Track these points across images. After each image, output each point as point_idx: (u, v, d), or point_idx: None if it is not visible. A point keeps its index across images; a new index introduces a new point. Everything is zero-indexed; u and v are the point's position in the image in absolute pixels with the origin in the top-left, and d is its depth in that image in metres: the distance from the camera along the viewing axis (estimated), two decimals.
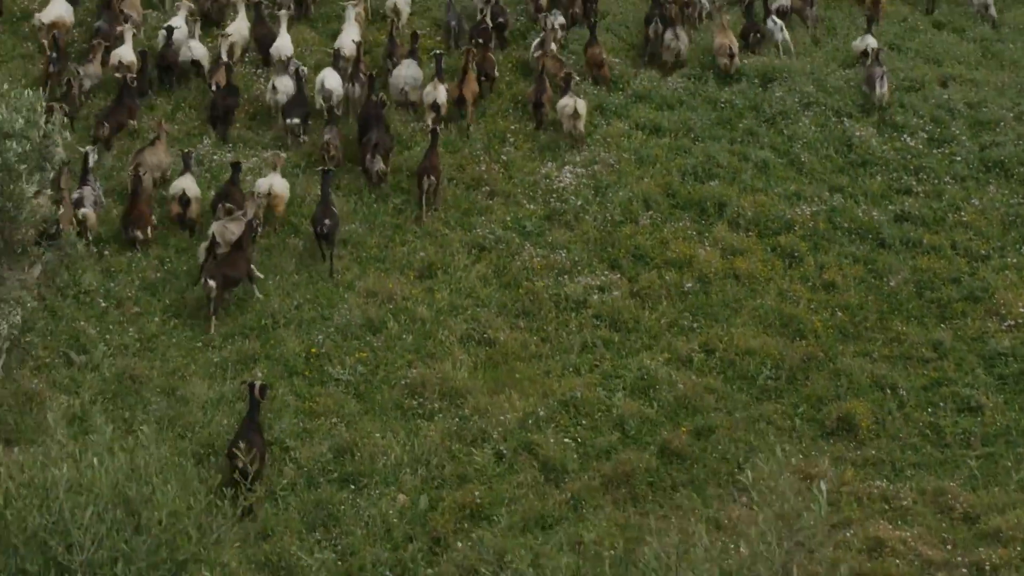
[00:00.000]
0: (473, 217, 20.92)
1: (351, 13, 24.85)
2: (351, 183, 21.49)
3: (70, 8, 24.83)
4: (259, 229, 19.87)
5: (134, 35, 24.11)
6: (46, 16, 24.24)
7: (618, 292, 19.37)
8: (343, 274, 19.42)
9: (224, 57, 23.59)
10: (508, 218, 20.85)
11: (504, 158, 22.23)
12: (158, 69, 24.05)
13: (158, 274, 19.12)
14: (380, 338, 18.17)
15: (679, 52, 25.34)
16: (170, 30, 24.18)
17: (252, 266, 18.97)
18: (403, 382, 17.43)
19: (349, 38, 24.26)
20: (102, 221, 19.89)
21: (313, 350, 17.80)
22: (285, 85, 22.98)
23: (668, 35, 25.46)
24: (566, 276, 19.65)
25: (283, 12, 24.76)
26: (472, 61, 23.69)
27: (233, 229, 19.05)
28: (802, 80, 24.57)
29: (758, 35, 26.38)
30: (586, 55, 25.13)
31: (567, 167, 22.02)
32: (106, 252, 19.39)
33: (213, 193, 20.53)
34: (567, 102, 22.91)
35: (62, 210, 18.33)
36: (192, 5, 25.27)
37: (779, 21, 26.20)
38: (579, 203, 21.11)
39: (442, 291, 19.18)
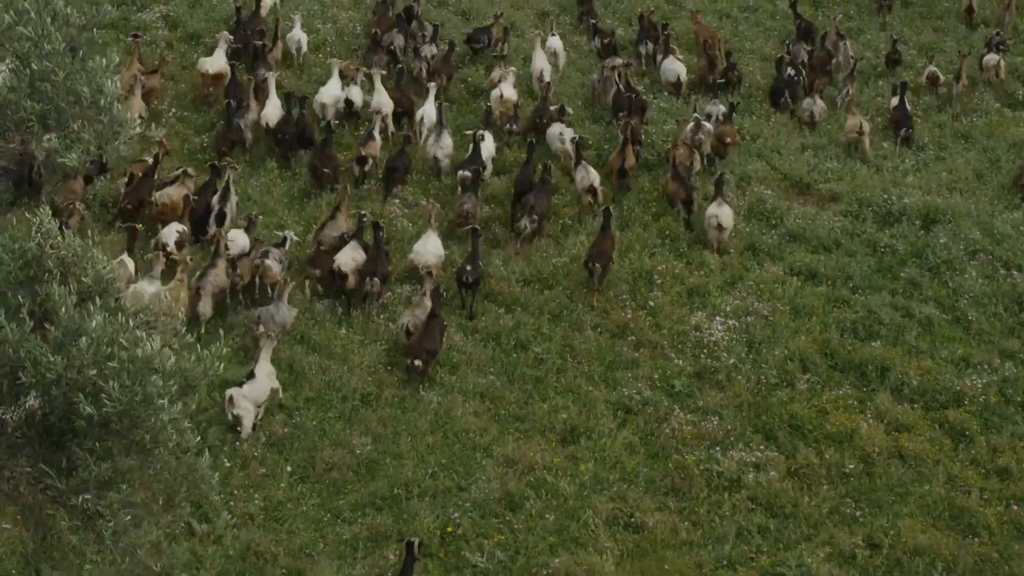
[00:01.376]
0: (618, 372, 19.60)
1: (510, 74, 26.20)
2: (488, 326, 20.31)
3: (226, 61, 26.20)
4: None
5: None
6: (212, 67, 25.84)
7: (775, 472, 17.90)
8: (480, 436, 18.20)
9: (377, 135, 24.13)
10: (656, 375, 19.52)
11: (651, 303, 20.92)
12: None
13: (286, 429, 18.02)
14: (520, 517, 16.86)
15: (814, 115, 26.39)
16: (302, 101, 24.99)
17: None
18: (545, 572, 16.11)
19: (508, 87, 25.75)
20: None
21: (449, 529, 16.55)
22: (446, 142, 23.94)
23: (807, 101, 26.53)
24: (718, 448, 18.26)
25: (431, 84, 25.58)
26: (628, 132, 23.79)
27: (419, 314, 19.55)
28: (967, 224, 23.06)
29: (909, 130, 26.02)
30: (717, 131, 25.01)
31: (718, 317, 20.67)
32: None
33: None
34: (713, 212, 22.22)
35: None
36: (343, 64, 26.23)
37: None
38: (731, 361, 19.74)
39: (586, 461, 17.85)
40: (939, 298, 21.46)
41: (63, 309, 10.01)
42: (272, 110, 24.77)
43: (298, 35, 27.91)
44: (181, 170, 22.46)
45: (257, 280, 20.56)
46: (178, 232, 21.02)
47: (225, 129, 24.33)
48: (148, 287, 19.24)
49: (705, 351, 20.01)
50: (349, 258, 20.58)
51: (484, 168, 23.42)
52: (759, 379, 19.50)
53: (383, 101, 25.13)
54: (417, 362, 18.85)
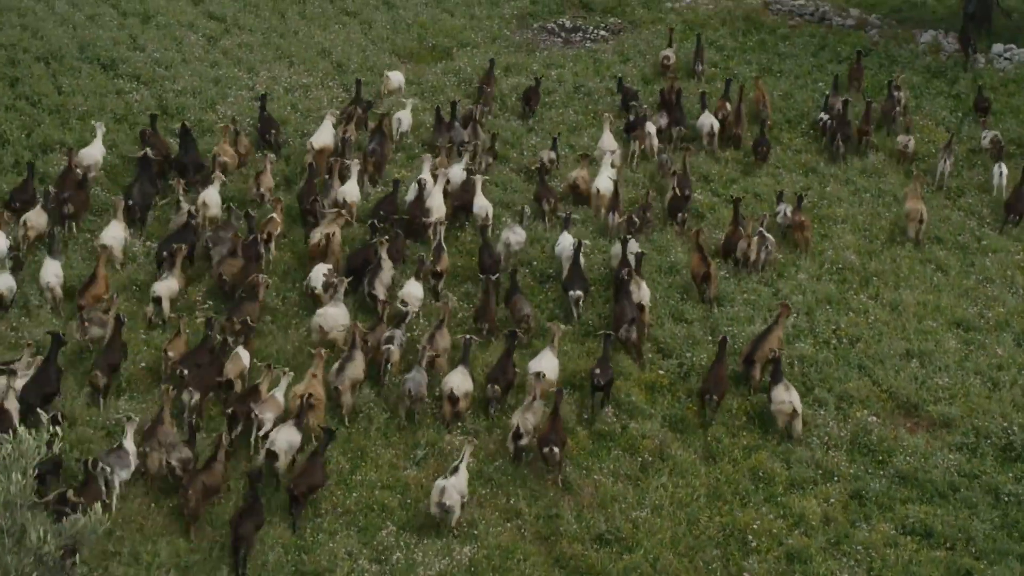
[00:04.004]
0: None
1: (607, 159, 27.07)
2: None
3: (334, 134, 28.02)
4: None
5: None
6: (317, 142, 27.63)
7: None
8: None
9: (444, 244, 24.27)
10: None
11: (746, 574, 18.27)
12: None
13: None
14: None
15: (908, 148, 29.42)
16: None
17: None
18: None
19: (604, 180, 26.59)
20: None
21: None
22: (519, 232, 24.88)
23: (902, 137, 29.54)
24: None
25: (477, 176, 26.19)
26: (699, 239, 24.14)
27: (529, 417, 19.85)
28: None
29: (1017, 217, 27.05)
30: (792, 222, 25.93)
31: None
32: None
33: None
34: (782, 398, 20.64)
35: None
36: (435, 160, 27.03)
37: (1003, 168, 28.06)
38: None
39: None
40: None
41: None
42: (351, 188, 25.89)
43: (399, 115, 29.37)
44: (336, 211, 24.70)
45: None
46: (324, 274, 22.84)
47: (305, 190, 25.70)
48: (332, 310, 22.00)
49: None
50: (460, 383, 20.56)
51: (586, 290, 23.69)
52: None
53: (435, 205, 25.58)
54: (555, 449, 19.35)
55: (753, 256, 24.76)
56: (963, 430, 21.08)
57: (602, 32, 36.73)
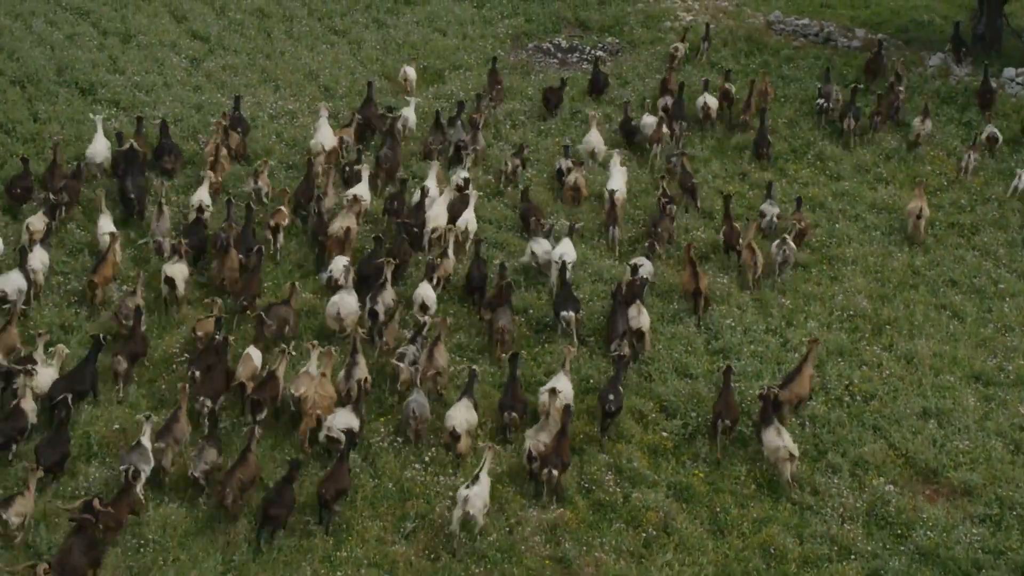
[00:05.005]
0: None
1: (617, 160, 27.44)
2: None
3: (332, 134, 28.27)
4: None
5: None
6: (327, 144, 27.78)
7: None
8: None
9: (451, 253, 24.31)
10: None
11: None
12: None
13: None
14: None
15: (921, 135, 30.23)
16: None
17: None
18: None
19: (618, 182, 26.69)
20: None
21: None
22: (543, 245, 24.59)
23: (916, 121, 30.47)
24: None
25: (472, 192, 26.05)
26: (690, 253, 24.19)
27: (543, 438, 19.47)
28: None
29: None
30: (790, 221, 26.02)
31: None
32: None
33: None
34: (776, 444, 19.78)
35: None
36: (440, 170, 27.03)
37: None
38: None
39: None
40: None
41: None
42: (362, 190, 25.80)
43: (404, 114, 29.35)
44: (352, 195, 25.22)
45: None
46: (344, 266, 23.13)
47: (303, 186, 26.02)
48: (348, 297, 22.46)
49: None
50: (463, 419, 19.99)
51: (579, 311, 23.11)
52: None
53: (434, 215, 25.37)
54: (555, 472, 19.01)
55: (758, 267, 24.70)
56: (986, 500, 19.88)
57: (599, 52, 35.43)
